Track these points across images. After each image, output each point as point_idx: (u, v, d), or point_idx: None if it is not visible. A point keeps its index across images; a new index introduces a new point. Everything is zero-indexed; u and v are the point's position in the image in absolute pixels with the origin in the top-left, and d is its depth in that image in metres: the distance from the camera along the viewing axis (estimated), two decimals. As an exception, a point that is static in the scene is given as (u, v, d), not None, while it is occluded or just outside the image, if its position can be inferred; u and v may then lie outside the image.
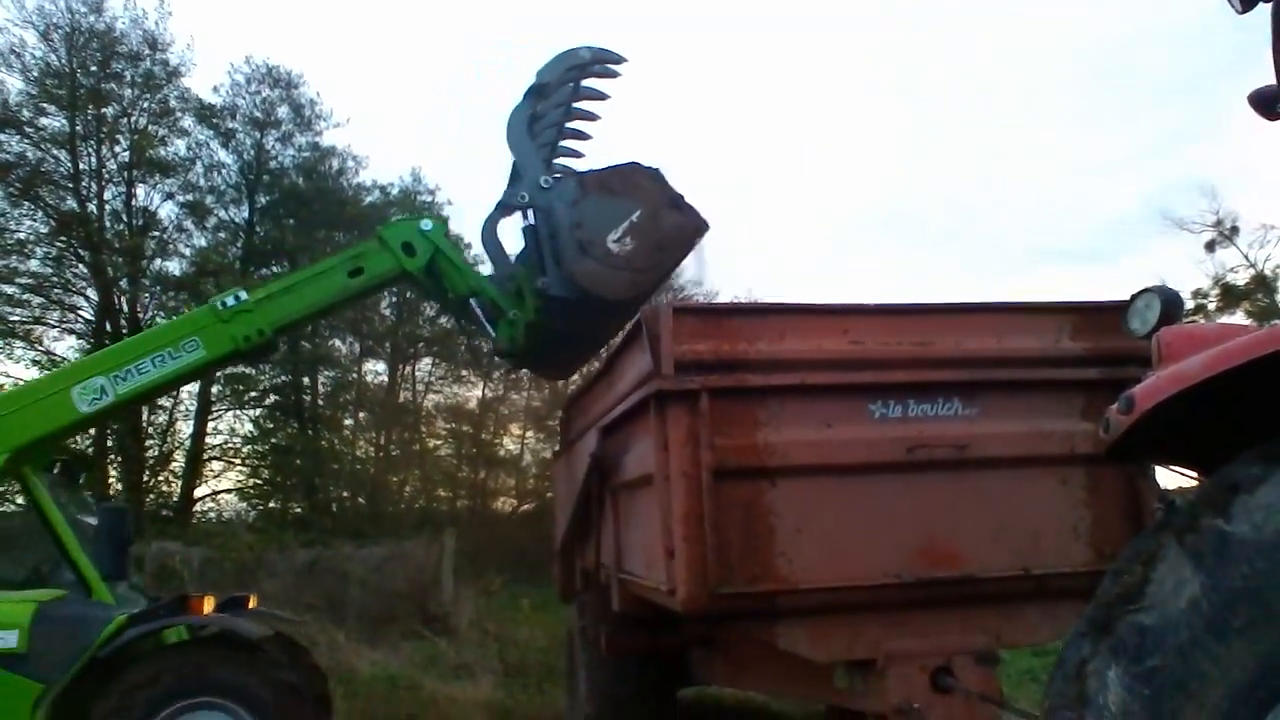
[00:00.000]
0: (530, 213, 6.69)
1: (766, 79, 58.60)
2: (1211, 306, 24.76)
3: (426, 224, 6.98)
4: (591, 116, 7.22)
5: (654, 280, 6.63)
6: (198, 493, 24.31)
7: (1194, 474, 2.79)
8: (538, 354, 7.28)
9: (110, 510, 6.25)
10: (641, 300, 6.45)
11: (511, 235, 7.11)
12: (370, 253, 6.93)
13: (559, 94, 7.02)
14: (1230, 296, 25.04)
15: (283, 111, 25.61)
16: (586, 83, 7.10)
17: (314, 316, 7.39)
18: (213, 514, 23.90)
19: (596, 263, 6.25)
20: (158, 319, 24.44)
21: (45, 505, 6.16)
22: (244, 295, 6.66)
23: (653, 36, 50.34)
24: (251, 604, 6.68)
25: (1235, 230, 25.26)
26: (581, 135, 7.26)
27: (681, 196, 6.53)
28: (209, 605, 6.11)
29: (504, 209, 6.97)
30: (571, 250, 6.31)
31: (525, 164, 6.77)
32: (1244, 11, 2.66)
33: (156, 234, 24.30)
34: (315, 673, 6.55)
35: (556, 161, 7.14)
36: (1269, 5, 2.63)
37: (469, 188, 48.29)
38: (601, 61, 7.04)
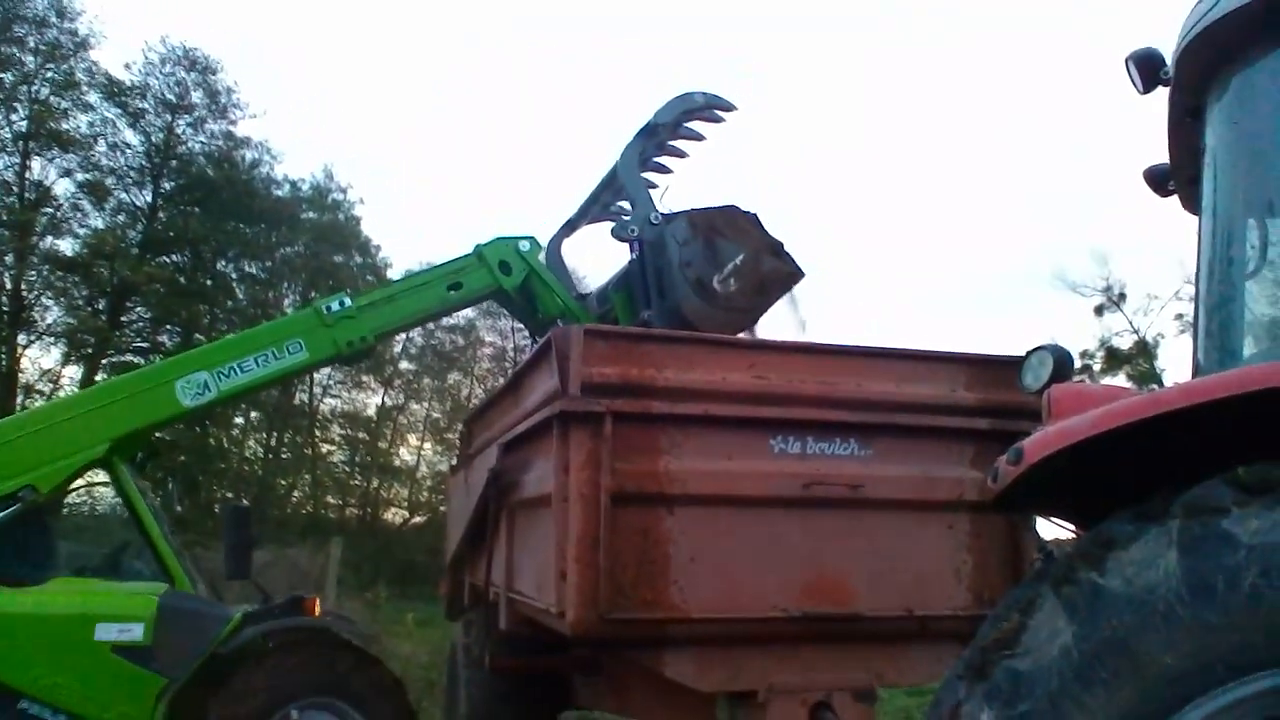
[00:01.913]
0: (636, 245, 6.85)
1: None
2: (1097, 368, 25.96)
3: (524, 244, 7.32)
4: (681, 154, 7.49)
5: (750, 321, 6.84)
6: (71, 484, 23.18)
7: (1073, 527, 2.90)
8: None
9: (234, 510, 6.33)
10: None
11: (570, 255, 7.64)
12: (469, 269, 7.21)
13: (664, 133, 7.28)
14: (1114, 359, 26.30)
15: (197, 96, 24.95)
16: (690, 124, 7.34)
17: (412, 325, 7.74)
18: (85, 507, 22.81)
19: (704, 302, 6.46)
20: (44, 298, 23.36)
21: (132, 495, 6.22)
22: (348, 301, 6.89)
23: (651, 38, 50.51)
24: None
25: (1123, 297, 26.60)
26: (664, 169, 7.49)
27: (780, 244, 6.76)
28: (319, 607, 6.24)
29: (570, 228, 7.34)
30: (681, 287, 6.49)
31: (637, 199, 6.98)
32: (1146, 92, 2.81)
33: (50, 210, 23.28)
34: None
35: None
36: (1168, 89, 2.79)
37: (381, 185, 47.77)
38: (713, 107, 7.27)
